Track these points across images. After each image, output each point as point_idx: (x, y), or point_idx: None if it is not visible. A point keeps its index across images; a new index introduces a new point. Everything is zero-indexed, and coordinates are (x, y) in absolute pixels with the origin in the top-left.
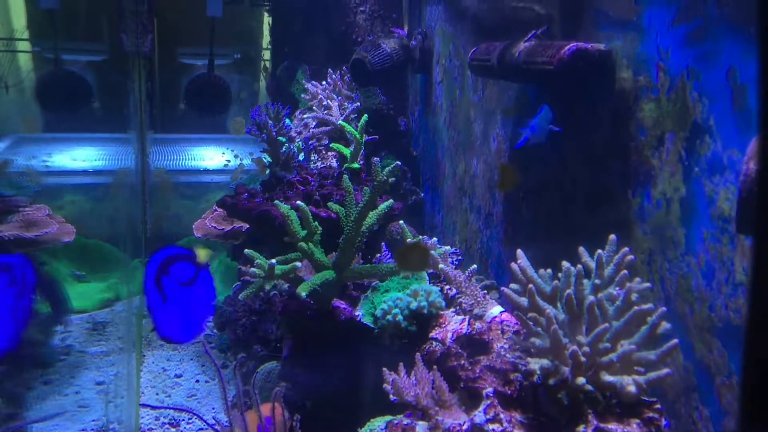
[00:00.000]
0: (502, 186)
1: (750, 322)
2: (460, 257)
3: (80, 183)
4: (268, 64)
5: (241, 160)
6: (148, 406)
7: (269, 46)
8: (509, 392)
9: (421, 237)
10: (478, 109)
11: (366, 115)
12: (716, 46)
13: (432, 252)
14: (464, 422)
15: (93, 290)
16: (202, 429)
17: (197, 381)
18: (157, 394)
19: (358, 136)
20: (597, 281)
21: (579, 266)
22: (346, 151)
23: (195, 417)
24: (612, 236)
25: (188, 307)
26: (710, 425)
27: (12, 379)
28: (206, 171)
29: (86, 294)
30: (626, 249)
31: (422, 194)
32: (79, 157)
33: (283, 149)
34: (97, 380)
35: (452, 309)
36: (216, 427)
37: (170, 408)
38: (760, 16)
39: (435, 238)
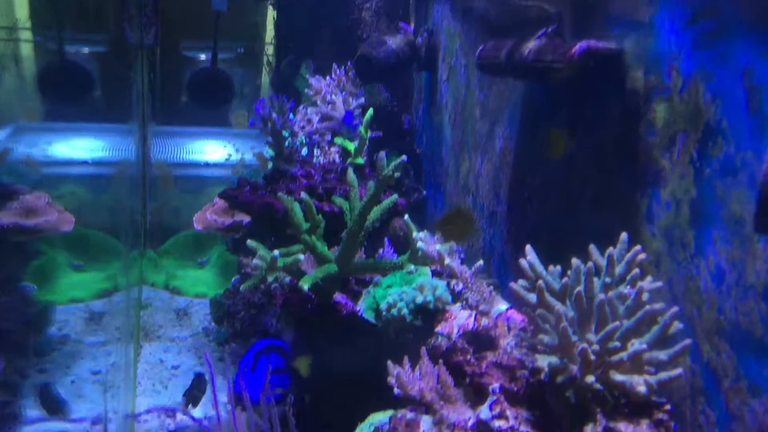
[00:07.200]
0: (553, 152)
1: None
2: (462, 256)
3: (80, 173)
4: (271, 58)
5: (242, 154)
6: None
7: (273, 41)
8: (516, 389)
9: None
10: (483, 108)
11: (372, 110)
12: (731, 47)
13: (438, 247)
14: (469, 417)
15: (91, 280)
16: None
17: (194, 372)
18: (153, 384)
19: (362, 131)
20: (607, 279)
21: (589, 264)
22: (351, 146)
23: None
24: (623, 234)
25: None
26: (716, 429)
27: (7, 367)
28: (207, 164)
29: (84, 284)
30: (638, 247)
31: (425, 192)
32: (80, 147)
33: (287, 143)
34: (94, 370)
35: (458, 304)
36: (204, 422)
37: (161, 410)
38: None
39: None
